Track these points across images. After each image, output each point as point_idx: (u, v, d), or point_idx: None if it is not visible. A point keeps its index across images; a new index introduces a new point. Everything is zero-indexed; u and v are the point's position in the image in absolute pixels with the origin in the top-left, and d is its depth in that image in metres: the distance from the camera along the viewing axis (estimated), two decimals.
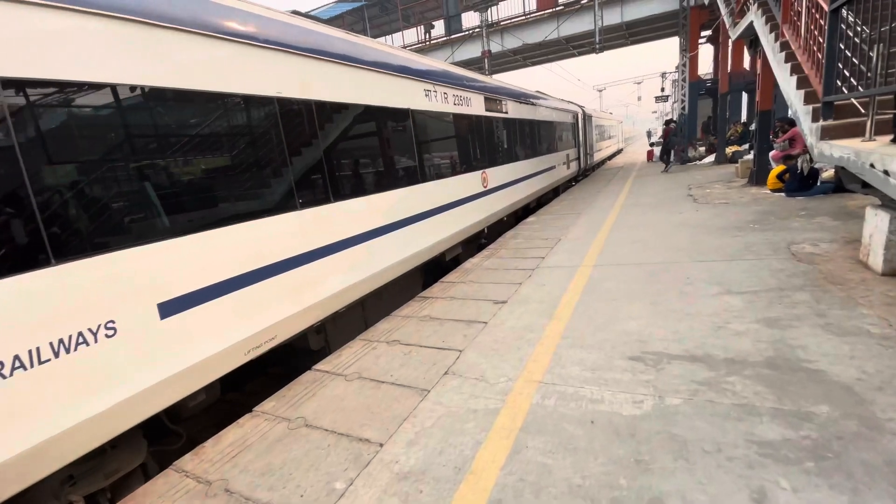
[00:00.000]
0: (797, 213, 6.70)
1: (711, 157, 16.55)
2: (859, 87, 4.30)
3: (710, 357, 2.94)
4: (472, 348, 3.63)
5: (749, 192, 9.07)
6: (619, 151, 36.89)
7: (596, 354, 3.20)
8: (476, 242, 8.43)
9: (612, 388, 2.73)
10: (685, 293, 4.12)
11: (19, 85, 2.16)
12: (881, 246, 3.94)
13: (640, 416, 2.43)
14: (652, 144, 24.78)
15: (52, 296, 2.21)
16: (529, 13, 21.21)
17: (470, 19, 23.14)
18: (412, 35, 26.01)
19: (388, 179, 5.14)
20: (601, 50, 22.87)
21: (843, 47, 4.53)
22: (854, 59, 4.47)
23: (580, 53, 26.36)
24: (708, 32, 22.46)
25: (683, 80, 17.85)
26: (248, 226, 3.29)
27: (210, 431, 3.05)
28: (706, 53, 24.98)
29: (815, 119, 4.94)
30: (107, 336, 2.42)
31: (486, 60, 20.06)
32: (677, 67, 22.33)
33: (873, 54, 3.97)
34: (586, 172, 20.70)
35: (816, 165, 7.93)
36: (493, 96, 8.47)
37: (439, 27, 24.95)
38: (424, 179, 5.82)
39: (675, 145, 16.25)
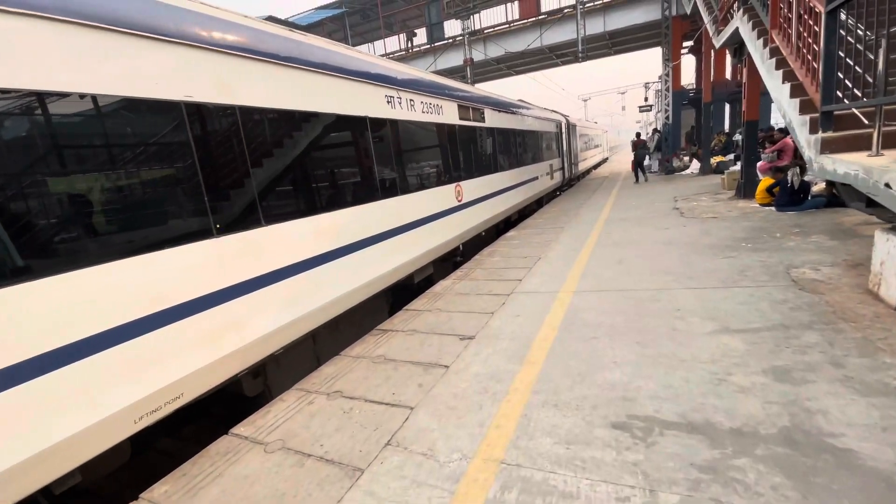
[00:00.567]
0: (791, 230, 6.25)
1: (696, 168, 16.30)
2: (862, 97, 3.85)
3: (712, 426, 2.36)
4: (426, 405, 3.01)
5: (737, 205, 8.66)
6: (604, 161, 36.86)
7: (572, 419, 2.61)
8: (451, 260, 7.84)
9: (591, 475, 2.13)
10: (677, 331, 3.56)
11: None
12: (895, 275, 3.44)
13: None
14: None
15: None
16: (512, 21, 20.95)
17: (453, 28, 22.78)
18: (394, 43, 25.63)
19: (340, 197, 4.53)
20: (584, 59, 22.70)
21: (841, 53, 4.08)
22: (855, 66, 4.02)
23: (563, 63, 26.20)
24: (690, 43, 22.50)
25: (667, 89, 17.63)
26: (136, 262, 2.64)
27: None
28: (689, 64, 25.02)
29: (812, 130, 4.47)
30: None
31: (468, 69, 19.66)
32: (660, 77, 22.25)
33: (878, 59, 3.52)
34: (571, 182, 20.35)
35: (806, 178, 7.54)
36: (468, 104, 7.94)
37: (422, 35, 24.63)
38: (386, 195, 5.22)
39: (643, 157, 16.18)
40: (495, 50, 21.29)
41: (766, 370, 2.83)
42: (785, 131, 10.16)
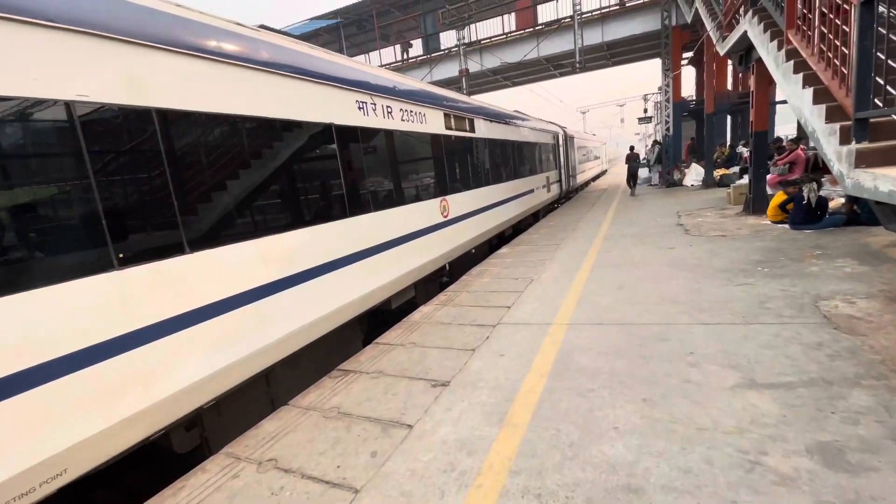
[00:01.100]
0: (811, 251, 5.63)
1: (698, 180, 15.74)
2: None
3: None
4: (375, 486, 2.35)
5: (746, 222, 8.05)
6: (603, 173, 36.44)
7: None
8: (437, 280, 7.21)
9: None
10: (691, 383, 2.91)
11: None
12: None
13: None
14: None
15: None
16: (509, 32, 20.60)
17: (449, 39, 22.46)
18: (390, 55, 25.31)
19: (294, 215, 3.91)
20: (582, 70, 22.36)
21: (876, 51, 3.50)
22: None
23: (562, 74, 25.85)
24: (690, 54, 22.15)
25: (667, 100, 17.17)
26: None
27: None
28: (688, 75, 24.66)
29: (843, 141, 3.87)
30: None
31: (463, 79, 19.24)
32: (660, 88, 21.84)
33: None
34: (569, 195, 19.80)
35: (823, 194, 6.94)
36: (455, 113, 7.37)
37: (419, 47, 24.33)
38: (355, 212, 4.61)
39: (636, 170, 16.54)
40: (492, 61, 20.91)
41: (810, 448, 2.18)
42: (796, 142, 9.61)
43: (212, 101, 3.16)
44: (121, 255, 2.53)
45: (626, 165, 16.50)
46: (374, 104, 5.07)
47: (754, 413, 2.51)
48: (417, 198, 5.97)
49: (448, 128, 7.05)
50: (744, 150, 16.42)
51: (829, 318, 3.59)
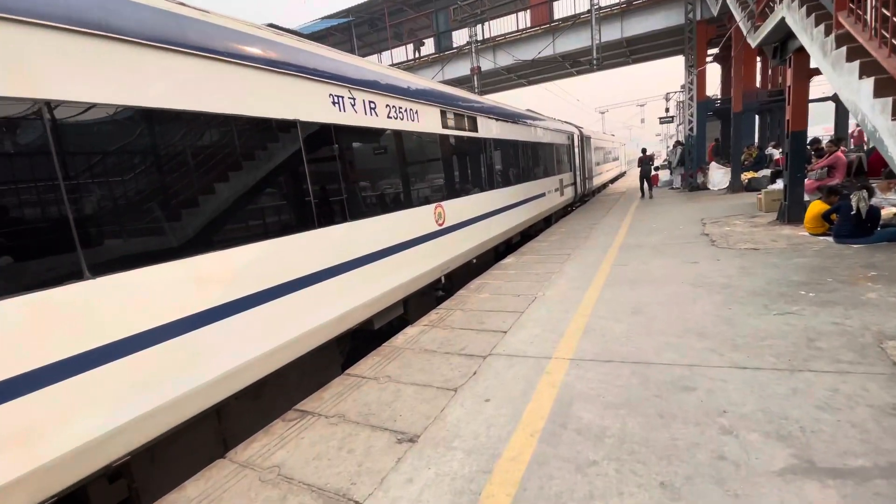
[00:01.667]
0: (864, 272, 4.81)
1: (724, 184, 14.74)
2: None
3: None
4: None
5: (781, 232, 7.19)
6: (621, 175, 35.28)
7: None
8: (432, 294, 6.57)
9: None
10: (725, 461, 2.20)
11: None
12: None
13: None
14: (656, 168, 23.07)
15: None
16: (523, 29, 19.86)
17: (461, 38, 21.83)
18: (403, 54, 24.82)
19: (242, 228, 3.31)
20: (600, 68, 21.46)
21: None
22: None
23: (579, 72, 24.94)
24: (715, 51, 21.05)
25: (690, 99, 16.19)
26: None
27: None
28: (713, 74, 23.48)
29: None
30: None
31: (475, 78, 18.57)
32: (683, 87, 20.79)
33: None
34: (584, 198, 18.95)
35: (874, 203, 6.07)
36: (455, 110, 6.72)
37: (431, 46, 23.78)
38: (326, 222, 4.00)
39: (649, 172, 16.30)
40: (505, 58, 20.19)
41: None
42: (836, 143, 8.68)
43: (139, 92, 2.59)
44: None
45: (639, 168, 16.46)
46: (354, 99, 4.46)
47: None
48: (405, 204, 5.33)
49: (446, 127, 6.40)
50: (774, 152, 15.36)
51: None
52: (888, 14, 3.64)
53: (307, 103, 3.87)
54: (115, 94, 2.52)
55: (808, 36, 5.52)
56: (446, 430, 2.82)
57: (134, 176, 2.68)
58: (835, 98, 14.70)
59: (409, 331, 4.85)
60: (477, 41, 18.44)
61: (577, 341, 3.95)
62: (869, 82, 3.83)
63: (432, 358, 4.02)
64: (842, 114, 14.48)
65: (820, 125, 26.04)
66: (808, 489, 1.96)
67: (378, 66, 5.13)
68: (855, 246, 5.78)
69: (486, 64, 20.66)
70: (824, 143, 9.45)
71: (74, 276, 2.31)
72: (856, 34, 4.26)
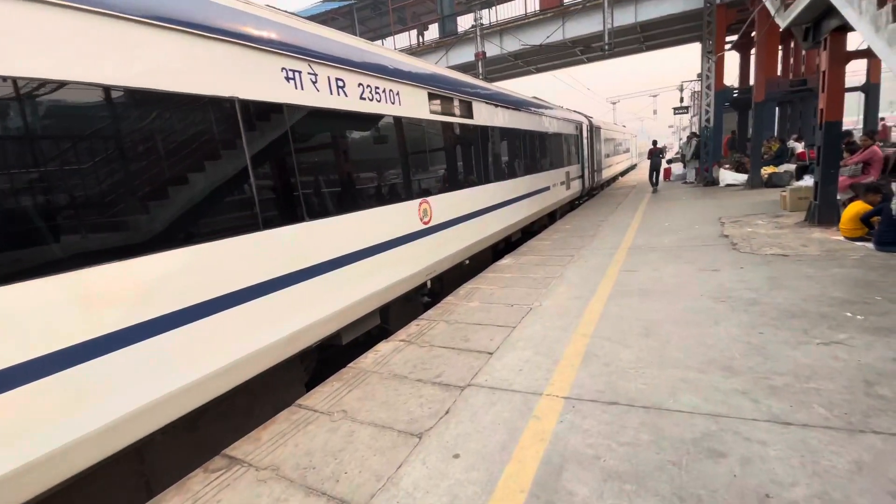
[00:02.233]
0: None
1: (741, 178, 13.84)
2: None
3: None
4: None
5: (811, 236, 6.40)
6: (632, 167, 34.17)
7: None
8: (418, 299, 5.91)
9: None
10: None
11: None
12: None
13: None
14: (669, 161, 22.12)
15: None
16: (532, 14, 18.89)
17: (467, 23, 20.92)
18: (406, 40, 23.94)
19: (155, 231, 2.65)
20: (611, 55, 20.47)
21: None
22: None
23: (590, 59, 23.90)
24: (734, 37, 19.96)
25: (707, 87, 15.23)
26: None
27: None
28: (730, 63, 22.32)
29: None
30: None
31: (479, 63, 17.68)
32: (699, 75, 19.74)
33: None
34: (592, 192, 18.11)
35: None
36: (447, 93, 5.98)
37: (435, 32, 22.89)
38: (273, 223, 3.33)
39: (659, 165, 16.23)
40: (512, 44, 19.26)
41: None
42: (871, 136, 7.82)
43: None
44: None
45: (649, 160, 16.36)
46: (315, 75, 3.75)
47: None
48: (382, 201, 4.64)
49: (435, 112, 5.67)
50: (796, 146, 14.41)
51: None
52: None
53: (249, 77, 3.17)
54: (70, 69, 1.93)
55: (855, 9, 4.70)
56: (399, 500, 2.17)
57: (45, 176, 2.04)
58: (865, 88, 13.69)
59: (382, 347, 4.19)
60: (482, 24, 17.48)
61: (574, 371, 3.26)
62: None
63: (401, 387, 3.36)
64: (872, 105, 13.46)
65: (847, 118, 24.86)
66: None
67: (350, 37, 4.41)
68: None
69: (493, 49, 19.75)
70: (857, 136, 8.57)
71: None
72: None
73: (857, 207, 5.76)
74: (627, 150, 32.23)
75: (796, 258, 5.38)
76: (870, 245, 5.43)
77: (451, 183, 6.23)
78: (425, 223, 5.41)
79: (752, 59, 21.10)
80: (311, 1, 23.40)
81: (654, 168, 16.17)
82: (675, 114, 28.36)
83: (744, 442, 2.27)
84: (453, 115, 6.24)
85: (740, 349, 3.27)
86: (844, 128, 13.14)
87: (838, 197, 6.90)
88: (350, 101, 4.15)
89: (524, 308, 4.84)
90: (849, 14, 4.92)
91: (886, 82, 14.84)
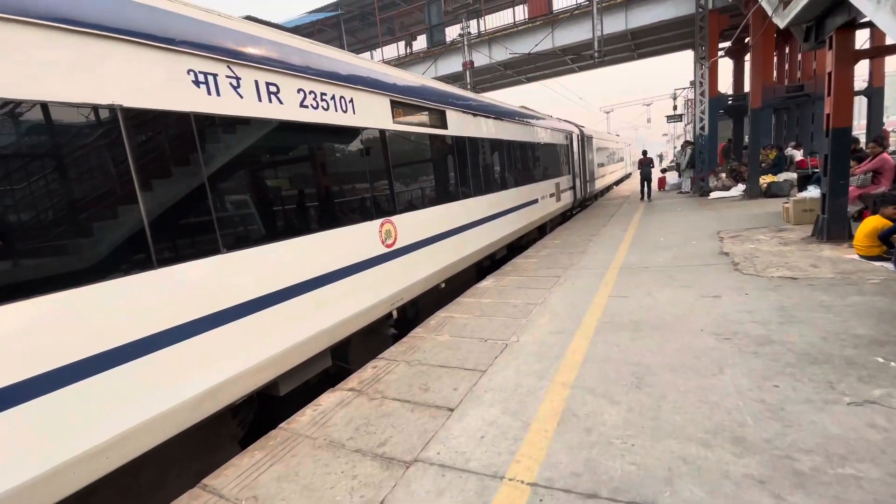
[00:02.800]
0: None
1: (738, 188, 13.29)
2: None
3: None
4: None
5: (821, 254, 5.79)
6: (626, 177, 33.71)
7: None
8: (382, 332, 5.25)
9: None
10: None
11: None
12: None
13: None
14: (663, 171, 21.64)
15: None
16: (520, 22, 18.51)
17: (456, 33, 20.57)
18: (395, 51, 23.59)
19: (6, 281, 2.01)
20: (602, 63, 20.10)
21: None
22: None
23: (581, 68, 23.57)
24: (727, 44, 19.63)
25: (701, 95, 14.76)
26: None
27: None
28: (723, 70, 21.95)
29: None
30: None
31: (467, 73, 17.22)
32: (692, 83, 19.32)
33: None
34: (585, 203, 17.56)
35: None
36: (413, 101, 5.39)
37: (424, 42, 22.54)
38: (170, 259, 2.69)
39: (649, 175, 16.07)
40: (501, 53, 18.85)
41: None
42: (880, 143, 7.27)
43: None
44: None
45: (640, 171, 16.31)
46: (237, 78, 3.14)
47: None
48: (329, 223, 4.01)
49: (400, 122, 5.07)
50: (795, 153, 13.89)
51: None
52: None
53: (139, 82, 2.56)
54: None
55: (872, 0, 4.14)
56: None
57: None
58: (868, 92, 13.23)
59: (325, 400, 3.53)
60: (469, 33, 17.06)
61: (548, 441, 2.61)
62: None
63: (334, 461, 2.70)
64: (876, 110, 12.98)
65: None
66: None
67: (288, 36, 3.80)
68: None
69: (481, 59, 19.33)
70: (867, 143, 8.03)
71: None
72: None
73: (874, 223, 5.16)
74: (621, 160, 31.82)
75: (807, 282, 4.76)
76: (890, 266, 4.82)
77: (420, 200, 5.62)
78: (388, 246, 4.78)
79: (747, 65, 20.80)
80: (297, 12, 22.97)
81: (645, 178, 15.98)
82: (668, 122, 28.04)
83: None
84: (423, 125, 5.65)
85: (753, 410, 2.63)
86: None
87: (849, 208, 6.32)
88: (286, 110, 3.54)
89: (499, 344, 4.20)
90: (864, 6, 4.36)
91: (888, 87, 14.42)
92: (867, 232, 5.16)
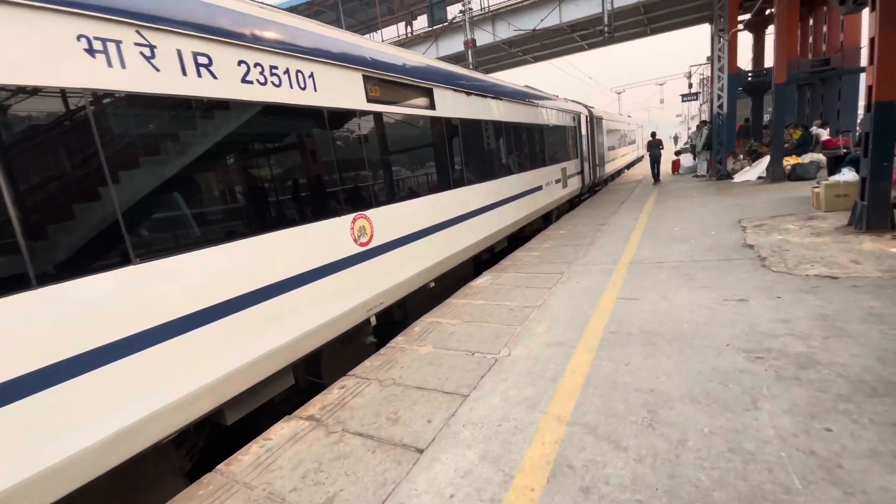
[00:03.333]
0: None
1: (755, 171, 12.39)
2: None
3: None
4: None
5: (862, 247, 5.08)
6: (638, 160, 32.53)
7: None
8: (361, 339, 4.69)
9: None
10: None
11: None
12: None
13: None
14: (678, 153, 20.63)
15: None
16: None
17: (457, 11, 19.61)
18: (395, 32, 22.70)
19: None
20: (613, 40, 19.05)
21: None
22: None
23: (590, 46, 22.47)
24: (747, 16, 18.46)
25: (720, 70, 13.77)
26: None
27: None
28: (742, 45, 20.63)
29: None
30: None
31: (469, 52, 16.34)
32: (709, 58, 18.21)
33: None
34: (595, 188, 16.75)
35: None
36: (393, 77, 4.73)
37: (424, 22, 21.62)
38: (57, 275, 2.13)
39: (658, 157, 15.58)
40: (505, 30, 17.89)
41: None
42: None
43: None
44: None
45: (648, 153, 15.99)
46: (152, 47, 2.53)
47: None
48: (283, 222, 3.41)
49: (376, 100, 4.43)
50: (821, 132, 12.95)
51: None
52: None
53: (4, 52, 1.96)
54: None
55: None
56: None
57: None
58: None
59: (276, 433, 2.98)
60: (470, 9, 16.14)
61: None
62: None
63: None
64: None
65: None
66: None
67: None
68: None
69: (485, 37, 18.40)
70: None
71: None
72: None
73: None
74: (633, 142, 30.64)
75: (850, 282, 4.07)
76: None
77: (405, 191, 5.01)
78: (363, 244, 4.18)
79: (768, 39, 19.55)
80: None
81: (655, 160, 15.63)
82: (683, 101, 26.82)
83: None
84: (406, 105, 4.99)
85: (801, 466, 2.02)
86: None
87: (892, 195, 5.56)
88: (222, 86, 2.92)
89: (487, 359, 3.62)
90: None
91: None
92: None
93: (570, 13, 16.52)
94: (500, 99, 7.70)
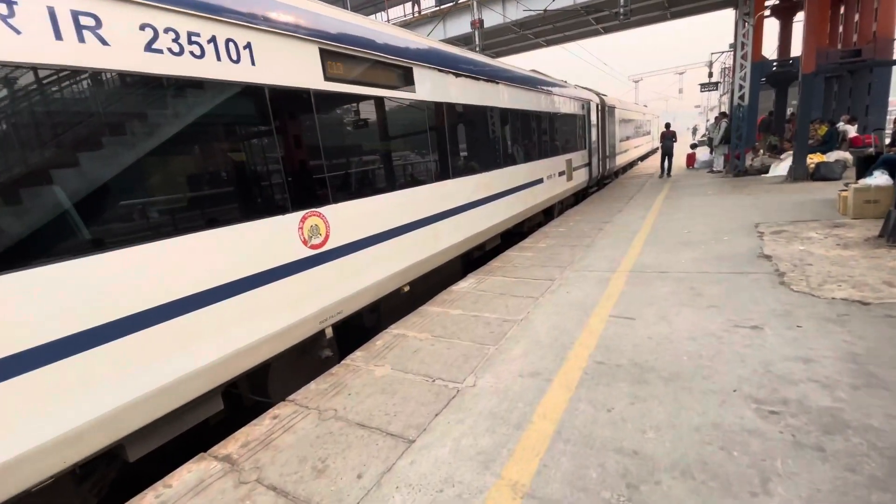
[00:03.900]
0: None
1: (779, 168, 11.56)
2: None
3: None
4: None
5: (895, 264, 4.41)
6: (652, 151, 31.35)
7: None
8: (316, 353, 4.17)
9: None
10: None
11: None
12: None
13: None
14: (693, 146, 19.65)
15: None
16: None
17: None
18: (401, 12, 21.78)
19: None
20: (630, 23, 18.06)
21: None
22: None
23: (606, 30, 21.40)
24: (774, 1, 17.34)
25: (743, 58, 12.82)
26: None
27: None
28: (768, 33, 19.34)
29: None
30: None
31: (476, 33, 15.49)
32: (732, 45, 17.13)
33: None
34: (604, 181, 15.97)
35: None
36: (359, 53, 4.11)
37: (431, 1, 20.72)
38: None
39: (671, 149, 15.08)
40: (516, 11, 16.96)
41: None
42: None
43: None
44: None
45: (661, 144, 15.51)
46: (12, 4, 1.97)
47: None
48: (199, 222, 2.86)
49: (337, 79, 3.82)
50: (848, 129, 12.03)
51: None
52: None
53: None
54: None
55: None
56: None
57: None
58: None
59: (177, 479, 2.47)
60: None
61: None
62: None
63: None
64: None
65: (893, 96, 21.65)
66: None
67: None
68: None
69: (494, 18, 17.49)
70: None
71: None
72: None
73: None
74: (648, 133, 29.49)
75: (883, 310, 3.43)
76: None
77: (372, 184, 4.43)
78: (315, 247, 3.63)
79: (795, 27, 18.34)
80: None
81: (667, 152, 15.09)
82: (702, 91, 25.64)
83: None
84: (377, 85, 4.37)
85: None
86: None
87: None
88: (119, 54, 2.36)
89: (448, 390, 3.08)
90: None
91: None
92: None
93: None
94: (496, 82, 7.02)
